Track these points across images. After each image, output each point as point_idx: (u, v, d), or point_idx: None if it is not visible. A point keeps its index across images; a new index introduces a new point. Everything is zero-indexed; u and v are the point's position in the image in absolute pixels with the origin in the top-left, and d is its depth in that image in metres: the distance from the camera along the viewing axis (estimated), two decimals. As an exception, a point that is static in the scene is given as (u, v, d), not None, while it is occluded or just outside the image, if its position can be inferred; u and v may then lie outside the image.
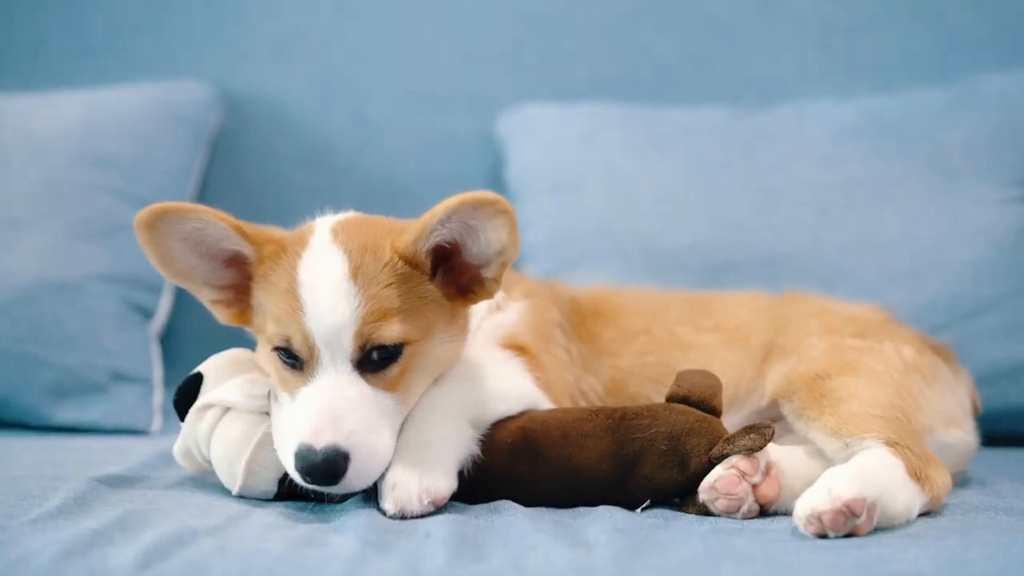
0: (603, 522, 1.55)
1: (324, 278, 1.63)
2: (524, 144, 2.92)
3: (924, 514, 1.64)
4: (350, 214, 1.80)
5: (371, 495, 1.65)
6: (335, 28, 3.13)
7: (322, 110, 3.10)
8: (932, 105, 2.79)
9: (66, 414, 2.48)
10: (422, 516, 1.58)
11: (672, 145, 2.84)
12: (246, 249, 1.71)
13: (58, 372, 2.48)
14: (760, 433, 1.61)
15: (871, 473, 1.56)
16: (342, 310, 1.61)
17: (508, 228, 1.63)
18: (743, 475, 1.59)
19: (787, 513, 1.61)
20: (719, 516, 1.61)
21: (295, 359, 1.64)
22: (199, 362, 1.81)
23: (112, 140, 2.74)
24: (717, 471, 1.61)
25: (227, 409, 1.72)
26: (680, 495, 1.66)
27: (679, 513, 1.64)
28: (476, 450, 1.66)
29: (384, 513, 1.58)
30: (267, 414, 1.71)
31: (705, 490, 1.61)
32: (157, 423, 2.54)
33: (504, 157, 2.97)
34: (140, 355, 2.60)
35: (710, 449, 1.64)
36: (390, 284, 1.64)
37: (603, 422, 1.69)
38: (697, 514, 1.63)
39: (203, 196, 3.01)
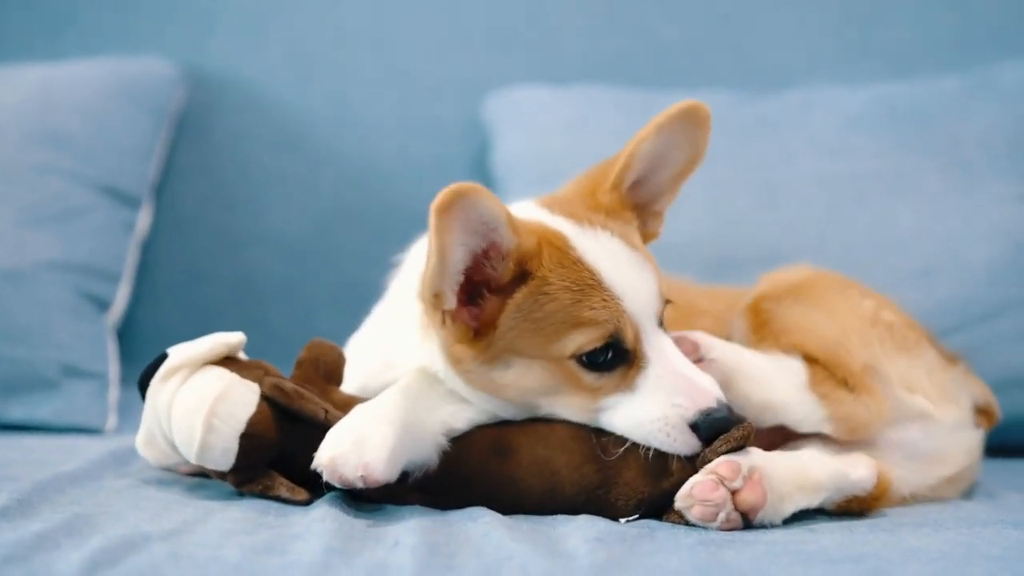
0: (584, 531, 1.55)
1: (616, 253, 1.68)
2: (511, 130, 2.92)
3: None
4: (527, 203, 1.78)
5: (340, 497, 1.66)
6: (312, 2, 3.13)
7: (297, 90, 3.11)
8: (949, 93, 2.79)
9: (14, 412, 2.47)
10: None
11: (671, 132, 2.84)
12: (508, 240, 1.63)
13: (6, 367, 2.48)
14: (741, 431, 1.62)
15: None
16: (646, 275, 1.68)
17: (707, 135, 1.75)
18: (721, 480, 1.59)
19: (775, 525, 1.62)
20: (699, 526, 1.61)
21: (618, 355, 1.65)
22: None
23: (66, 118, 2.75)
24: (695, 477, 1.61)
25: (196, 369, 1.72)
26: (667, 505, 1.66)
27: (665, 524, 1.64)
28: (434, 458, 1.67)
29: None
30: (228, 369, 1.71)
31: (681, 497, 1.61)
32: (112, 422, 2.53)
33: (490, 143, 2.97)
34: (95, 349, 2.60)
35: (695, 455, 1.64)
36: (638, 238, 1.74)
37: (583, 428, 1.69)
38: (679, 524, 1.63)
39: (167, 180, 3.01)
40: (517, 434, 1.70)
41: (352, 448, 1.59)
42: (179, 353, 1.73)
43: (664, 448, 1.63)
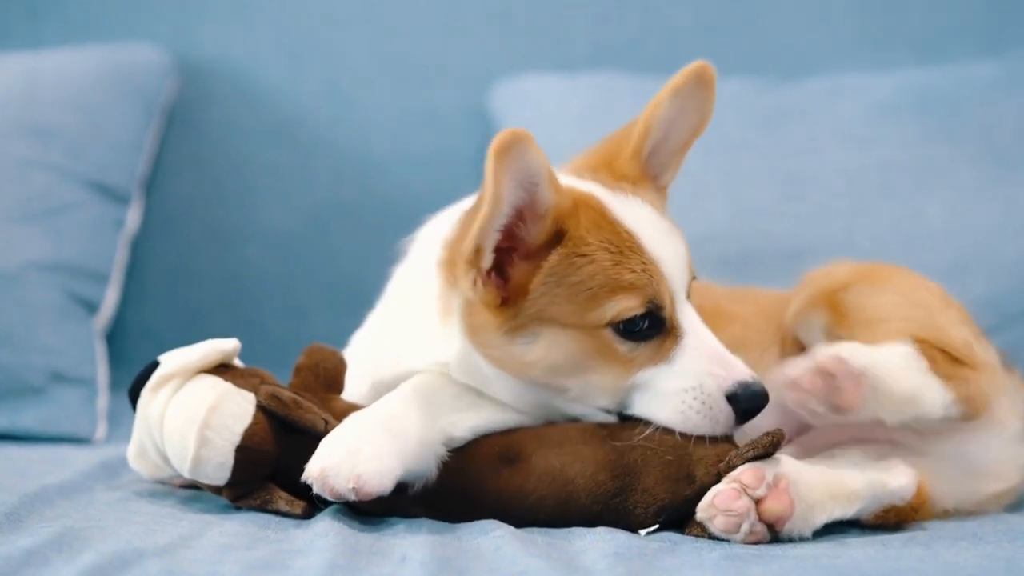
0: (602, 545, 1.55)
1: (650, 219, 1.71)
2: (519, 120, 2.91)
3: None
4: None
5: (344, 511, 1.66)
6: (307, -13, 3.13)
7: (290, 79, 3.11)
8: (981, 80, 2.79)
9: (-2, 419, 2.48)
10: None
11: (687, 122, 2.84)
12: (547, 198, 1.63)
13: (-11, 372, 2.48)
14: (769, 436, 1.61)
15: None
16: (677, 243, 1.72)
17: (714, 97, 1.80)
18: (744, 488, 1.59)
19: (804, 537, 1.62)
20: (722, 539, 1.61)
21: (655, 323, 1.67)
22: (149, 361, 1.80)
23: (53, 110, 2.75)
24: (718, 486, 1.61)
25: (188, 378, 1.72)
26: (690, 514, 1.66)
27: (687, 537, 1.64)
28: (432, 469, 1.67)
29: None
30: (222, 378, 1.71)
31: (703, 508, 1.61)
32: (101, 430, 2.54)
33: (495, 135, 2.96)
34: (83, 353, 2.60)
35: (720, 461, 1.63)
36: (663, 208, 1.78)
37: (596, 430, 1.69)
38: (701, 537, 1.62)
39: (157, 173, 3.01)
40: (526, 441, 1.69)
41: (344, 459, 1.59)
42: (170, 361, 1.73)
43: (696, 424, 1.64)
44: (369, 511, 1.68)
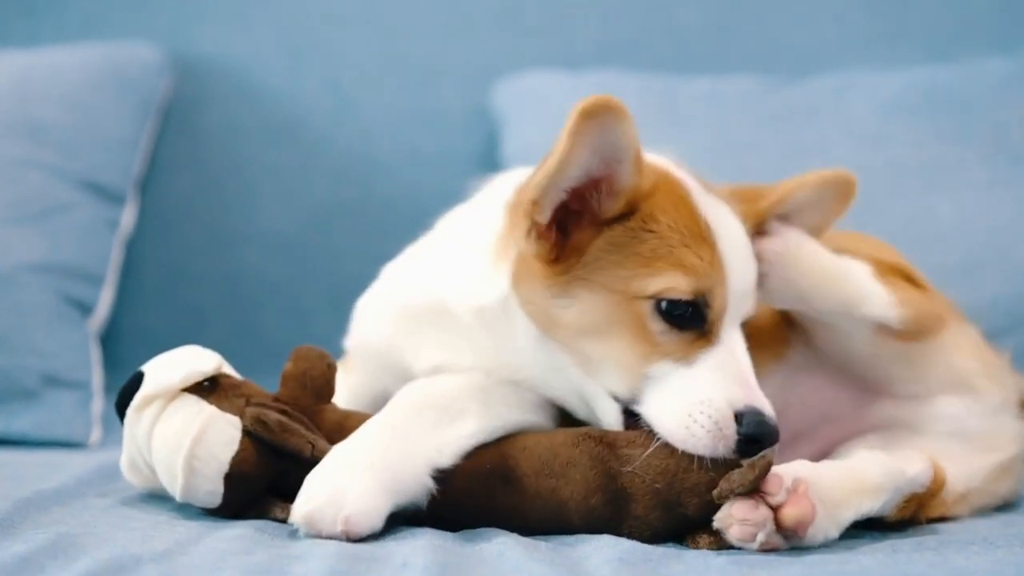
0: (606, 551, 1.55)
1: (736, 232, 1.71)
2: (523, 119, 2.92)
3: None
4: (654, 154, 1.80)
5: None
6: (307, -17, 3.14)
7: (290, 78, 3.11)
8: (992, 77, 2.79)
9: (-9, 424, 2.48)
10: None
11: (695, 120, 2.84)
12: (628, 178, 1.65)
13: (-18, 376, 2.48)
14: (751, 466, 1.58)
15: None
16: (752, 271, 1.73)
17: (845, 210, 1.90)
18: (763, 496, 1.58)
19: (831, 537, 1.61)
20: (739, 548, 1.60)
21: (695, 318, 1.65)
22: (145, 363, 1.80)
23: (47, 108, 2.76)
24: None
25: (172, 399, 1.72)
26: (683, 533, 1.65)
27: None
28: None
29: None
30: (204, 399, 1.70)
31: (720, 518, 1.60)
32: (96, 434, 2.54)
33: (499, 133, 2.98)
34: (77, 356, 2.60)
35: (711, 488, 1.60)
36: None
37: (591, 448, 1.65)
38: (700, 548, 1.61)
39: (153, 173, 3.01)
40: (518, 458, 1.67)
41: (328, 503, 1.57)
42: (153, 379, 1.72)
43: (699, 441, 1.60)
44: None
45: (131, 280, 2.96)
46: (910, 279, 1.88)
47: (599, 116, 1.56)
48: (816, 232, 1.86)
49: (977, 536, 1.69)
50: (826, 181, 1.85)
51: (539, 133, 2.89)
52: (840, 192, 1.86)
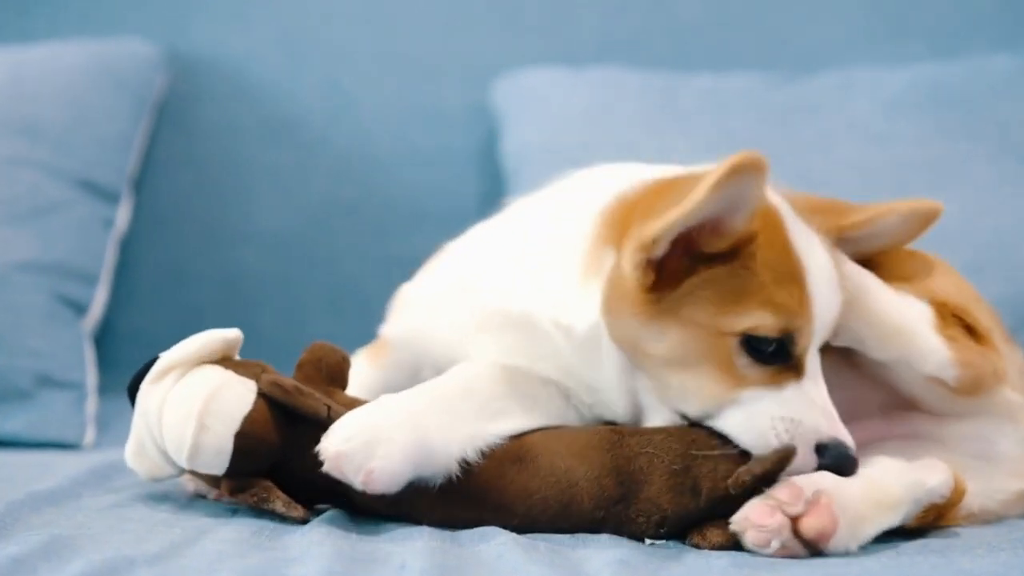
0: (607, 553, 1.55)
1: (825, 266, 1.70)
2: (523, 117, 2.92)
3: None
4: None
5: (341, 516, 1.66)
6: (304, -21, 3.14)
7: (288, 75, 3.11)
8: (998, 74, 2.79)
9: (-16, 424, 2.48)
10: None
11: (696, 118, 2.84)
12: (742, 224, 1.63)
13: (-25, 376, 2.48)
14: (778, 453, 1.60)
15: None
16: (837, 303, 1.72)
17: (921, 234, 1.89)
18: (780, 505, 1.58)
19: (852, 551, 1.60)
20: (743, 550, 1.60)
21: (781, 353, 1.66)
22: (140, 365, 1.80)
23: (40, 105, 2.75)
24: (753, 500, 1.60)
25: (187, 371, 1.72)
26: (691, 527, 1.65)
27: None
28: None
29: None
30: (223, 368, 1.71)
31: (737, 520, 1.60)
32: (91, 435, 2.53)
33: (499, 132, 2.97)
34: (71, 357, 2.60)
35: (727, 476, 1.62)
36: None
37: (607, 435, 1.69)
38: (701, 546, 1.62)
39: (148, 171, 3.01)
40: (537, 441, 1.70)
41: (361, 448, 1.59)
42: (171, 353, 1.73)
43: (771, 446, 1.63)
44: (368, 504, 1.68)
45: (126, 279, 2.96)
46: (971, 328, 1.83)
47: (746, 172, 1.56)
48: (884, 250, 1.87)
49: (981, 540, 1.69)
50: (915, 211, 1.85)
51: (539, 131, 2.90)
52: (924, 220, 1.86)
